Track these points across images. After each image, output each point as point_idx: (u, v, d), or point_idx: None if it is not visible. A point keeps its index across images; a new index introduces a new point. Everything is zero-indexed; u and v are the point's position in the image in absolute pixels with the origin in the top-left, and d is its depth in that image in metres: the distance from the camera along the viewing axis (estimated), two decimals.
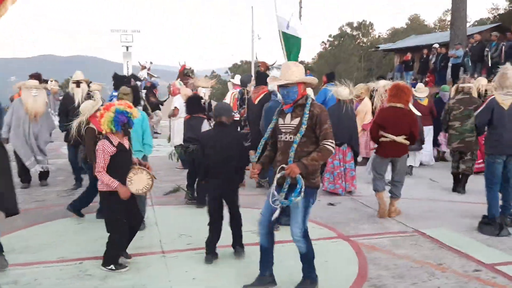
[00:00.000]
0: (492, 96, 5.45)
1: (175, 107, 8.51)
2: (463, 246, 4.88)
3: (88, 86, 7.75)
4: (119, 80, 7.43)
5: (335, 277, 4.12)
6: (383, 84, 8.36)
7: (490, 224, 5.32)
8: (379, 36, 59.13)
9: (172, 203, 6.74)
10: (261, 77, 7.80)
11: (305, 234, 3.69)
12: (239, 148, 4.47)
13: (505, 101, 5.32)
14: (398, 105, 5.87)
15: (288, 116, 3.69)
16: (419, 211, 6.27)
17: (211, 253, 4.45)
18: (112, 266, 4.19)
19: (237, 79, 10.30)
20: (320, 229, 5.49)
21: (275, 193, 3.59)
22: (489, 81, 8.60)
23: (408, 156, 7.10)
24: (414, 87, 9.70)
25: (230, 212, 4.54)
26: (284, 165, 3.56)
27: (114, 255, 4.22)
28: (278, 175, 3.58)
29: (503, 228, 5.24)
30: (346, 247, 4.88)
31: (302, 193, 3.49)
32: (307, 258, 3.75)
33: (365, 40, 61.05)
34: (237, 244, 4.59)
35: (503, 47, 14.39)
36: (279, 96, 5.21)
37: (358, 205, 6.62)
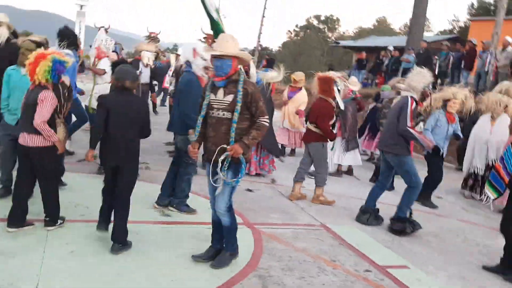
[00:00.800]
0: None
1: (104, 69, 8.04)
2: (363, 245, 4.88)
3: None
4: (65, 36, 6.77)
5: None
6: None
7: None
8: (344, 33, 59.63)
9: (84, 171, 6.38)
10: None
11: (230, 208, 3.80)
12: (143, 117, 4.16)
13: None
14: (321, 95, 6.06)
15: (221, 91, 3.67)
16: (336, 207, 6.25)
17: (102, 222, 4.15)
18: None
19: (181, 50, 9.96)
20: None
21: (218, 171, 3.62)
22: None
23: (332, 148, 7.10)
24: (367, 86, 9.95)
25: (117, 194, 4.03)
26: (225, 146, 3.59)
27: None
28: (222, 157, 3.59)
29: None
30: (247, 234, 4.74)
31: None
32: (230, 230, 3.86)
33: (330, 35, 61.46)
34: (115, 237, 3.96)
35: (451, 57, 14.71)
36: (193, 67, 4.99)
37: (275, 193, 6.53)
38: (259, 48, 60.98)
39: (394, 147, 5.39)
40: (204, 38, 10.28)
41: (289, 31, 62.65)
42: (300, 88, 8.61)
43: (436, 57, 15.22)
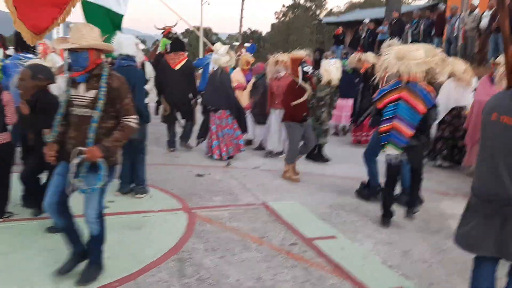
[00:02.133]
0: None
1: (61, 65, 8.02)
2: (298, 220, 4.97)
3: None
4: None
5: (146, 251, 4.06)
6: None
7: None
8: (331, 9, 59.06)
9: None
10: (178, 43, 8.08)
11: (100, 215, 3.46)
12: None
13: None
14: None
15: (82, 86, 3.32)
16: (287, 183, 6.38)
17: None
18: None
19: None
20: (169, 200, 5.47)
21: (74, 178, 3.25)
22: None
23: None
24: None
25: None
26: (82, 148, 3.24)
27: None
28: (76, 160, 3.23)
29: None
30: (181, 219, 4.86)
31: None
32: (98, 240, 3.49)
33: (318, 12, 60.93)
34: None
35: (422, 25, 14.64)
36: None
37: (225, 177, 6.61)
38: (248, 32, 60.74)
39: None
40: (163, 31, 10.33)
41: (276, 12, 62.24)
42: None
43: (408, 25, 15.13)
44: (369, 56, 8.44)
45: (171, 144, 8.03)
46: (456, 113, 7.71)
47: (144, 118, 5.26)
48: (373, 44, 17.76)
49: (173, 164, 7.15)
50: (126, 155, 5.35)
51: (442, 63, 5.02)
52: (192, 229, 4.61)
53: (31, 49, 6.53)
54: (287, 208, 5.35)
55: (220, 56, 7.59)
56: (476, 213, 2.85)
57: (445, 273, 3.93)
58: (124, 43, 5.40)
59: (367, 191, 5.81)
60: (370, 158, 5.69)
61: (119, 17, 6.27)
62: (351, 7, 54.50)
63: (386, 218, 4.99)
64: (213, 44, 8.77)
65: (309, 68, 6.40)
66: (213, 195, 5.74)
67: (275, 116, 7.78)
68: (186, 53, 8.17)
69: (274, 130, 7.88)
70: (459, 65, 7.60)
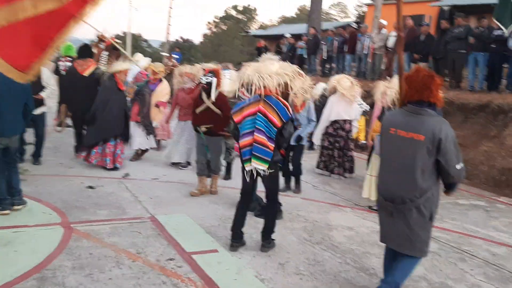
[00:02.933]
0: None
1: None
2: (183, 233, 4.89)
3: None
4: None
5: (6, 270, 3.79)
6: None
7: None
8: (262, 23, 60.08)
9: None
10: (87, 50, 8.05)
11: None
12: None
13: None
14: None
15: None
16: (182, 195, 6.29)
17: None
18: None
19: None
20: (49, 214, 5.18)
21: None
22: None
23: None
24: None
25: None
26: None
27: None
28: None
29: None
30: (56, 235, 4.59)
31: None
32: None
33: (254, 25, 61.71)
34: None
35: (336, 42, 15.18)
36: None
37: (119, 189, 6.38)
38: (181, 40, 60.27)
39: None
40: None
41: (209, 22, 62.33)
42: (161, 80, 8.48)
43: (323, 42, 15.63)
44: None
45: (78, 149, 7.75)
46: (339, 126, 8.05)
47: (19, 126, 5.05)
48: (293, 58, 18.23)
49: (65, 175, 6.80)
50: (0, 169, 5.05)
51: (295, 78, 5.07)
52: (64, 245, 4.37)
53: None
54: (174, 221, 5.24)
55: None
56: (382, 211, 3.59)
57: (312, 285, 4.00)
58: None
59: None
60: None
61: None
62: (285, 21, 55.79)
63: (234, 240, 4.68)
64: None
65: (207, 79, 6.30)
66: (98, 208, 5.51)
67: (180, 127, 7.67)
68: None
69: (180, 142, 7.74)
70: (344, 81, 8.00)
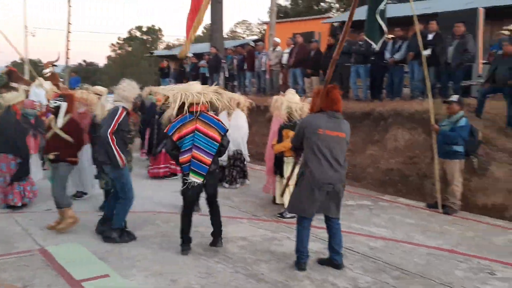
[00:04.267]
0: None
1: None
2: (73, 262, 4.81)
3: None
4: None
5: None
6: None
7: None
8: (168, 43, 59.80)
9: None
10: None
11: None
12: None
13: None
14: None
15: None
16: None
17: None
18: None
19: None
20: None
21: None
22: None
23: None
24: None
25: None
26: None
27: None
28: None
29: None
30: None
31: None
32: None
33: (155, 45, 61.18)
34: None
35: (235, 60, 15.65)
36: None
37: (8, 223, 6.12)
38: (84, 64, 58.15)
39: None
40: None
41: (112, 44, 60.77)
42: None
43: (223, 60, 16.03)
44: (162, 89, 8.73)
45: None
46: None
47: None
48: (196, 77, 18.45)
49: None
50: None
51: (219, 94, 5.49)
52: None
53: None
54: (65, 250, 5.16)
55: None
56: (308, 191, 4.66)
57: None
58: None
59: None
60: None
61: None
62: (191, 41, 55.88)
63: (185, 245, 5.22)
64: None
65: (55, 103, 5.87)
66: None
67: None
68: None
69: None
70: (241, 98, 8.54)
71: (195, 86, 5.36)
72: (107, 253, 5.15)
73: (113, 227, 5.50)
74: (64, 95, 5.98)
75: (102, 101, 6.89)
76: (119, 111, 5.42)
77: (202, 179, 5.08)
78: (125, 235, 5.53)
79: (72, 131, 5.93)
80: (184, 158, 5.06)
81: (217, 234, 5.38)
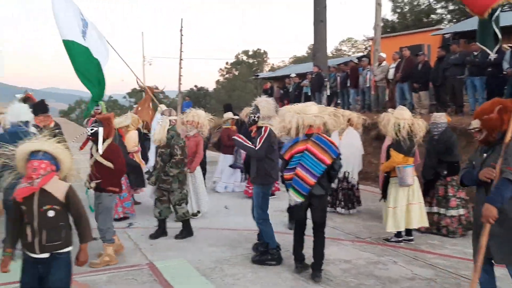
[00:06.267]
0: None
1: None
2: (178, 278, 4.98)
3: None
4: None
5: None
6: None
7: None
8: (272, 65, 61.11)
9: None
10: (42, 105, 7.74)
11: None
12: None
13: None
14: None
15: None
16: (181, 241, 6.37)
17: None
18: None
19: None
20: None
21: None
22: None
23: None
24: None
25: None
26: None
27: None
28: None
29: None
30: None
31: None
32: None
33: (261, 67, 62.95)
34: None
35: (338, 77, 15.44)
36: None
37: (121, 238, 6.51)
38: (195, 89, 61.63)
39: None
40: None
41: (220, 69, 63.75)
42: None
43: (326, 79, 15.91)
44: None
45: None
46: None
47: None
48: (299, 97, 18.51)
49: None
50: None
51: (335, 116, 5.37)
52: None
53: None
54: (171, 266, 5.34)
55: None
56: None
57: None
58: (22, 111, 5.87)
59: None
60: (262, 219, 5.62)
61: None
62: (296, 61, 56.63)
63: (297, 263, 5.19)
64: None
65: (91, 130, 5.56)
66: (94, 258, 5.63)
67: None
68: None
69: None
70: (356, 117, 8.13)
71: (311, 107, 5.20)
72: (209, 270, 5.25)
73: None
74: (100, 119, 5.61)
75: (162, 124, 6.66)
76: (263, 129, 5.55)
77: (302, 199, 4.94)
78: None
79: (113, 157, 5.45)
80: (288, 175, 5.03)
81: (316, 267, 5.03)
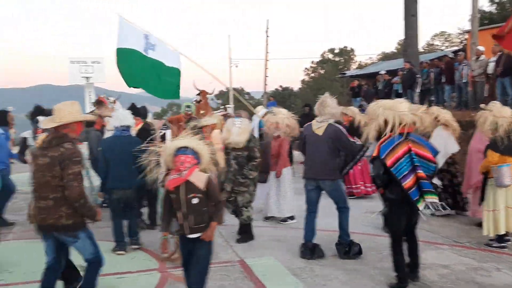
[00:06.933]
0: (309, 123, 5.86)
1: None
2: (269, 276, 5.04)
3: None
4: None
5: None
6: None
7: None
8: (360, 62, 59.66)
9: None
10: (135, 109, 8.00)
11: None
12: None
13: (319, 129, 5.67)
14: None
15: None
16: (272, 240, 6.45)
17: None
18: None
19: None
20: (149, 261, 5.66)
21: None
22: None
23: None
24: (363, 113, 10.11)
25: None
26: None
27: None
28: None
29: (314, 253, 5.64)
30: (153, 279, 5.01)
31: None
32: None
33: (347, 65, 61.76)
34: None
35: (432, 73, 14.72)
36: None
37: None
38: (280, 89, 61.99)
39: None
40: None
41: (306, 68, 63.45)
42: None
43: (418, 75, 15.22)
44: (351, 110, 8.53)
45: None
46: (451, 160, 7.67)
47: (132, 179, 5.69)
48: (389, 94, 17.90)
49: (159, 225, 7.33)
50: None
51: (427, 114, 5.14)
52: None
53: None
54: (262, 264, 5.42)
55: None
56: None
57: None
58: (125, 116, 6.25)
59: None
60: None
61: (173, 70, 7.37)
62: (385, 58, 54.78)
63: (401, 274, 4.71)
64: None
65: (160, 133, 6.02)
66: None
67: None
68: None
69: (271, 194, 7.60)
70: (445, 113, 7.65)
71: (402, 105, 4.85)
72: (300, 269, 5.24)
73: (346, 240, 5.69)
74: (169, 121, 5.87)
75: (242, 127, 6.50)
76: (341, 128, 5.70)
77: (437, 197, 4.56)
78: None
79: None
80: (408, 182, 4.45)
81: (415, 266, 4.82)
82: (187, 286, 3.91)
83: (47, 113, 7.39)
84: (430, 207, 4.61)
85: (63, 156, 3.68)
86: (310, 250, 5.64)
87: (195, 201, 3.76)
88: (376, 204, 7.43)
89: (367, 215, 7.53)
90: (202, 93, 11.18)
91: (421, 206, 4.48)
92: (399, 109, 4.75)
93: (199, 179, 3.79)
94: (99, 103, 10.40)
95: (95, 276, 4.02)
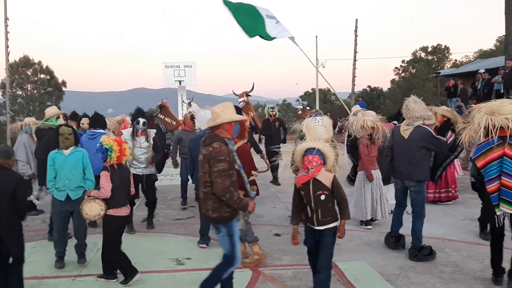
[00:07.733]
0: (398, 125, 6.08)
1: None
2: (361, 280, 4.94)
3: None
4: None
5: None
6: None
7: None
8: (455, 60, 56.39)
9: None
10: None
11: None
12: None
13: (406, 131, 5.76)
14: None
15: None
16: (361, 244, 6.31)
17: None
18: None
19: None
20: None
21: None
22: None
23: None
24: (461, 114, 9.57)
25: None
26: None
27: None
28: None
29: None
30: (245, 277, 5.10)
31: None
32: None
33: (441, 64, 58.67)
34: None
35: None
36: None
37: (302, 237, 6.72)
38: (368, 89, 60.51)
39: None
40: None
41: (396, 68, 61.21)
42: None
43: None
44: (441, 110, 8.04)
45: None
46: None
47: None
48: (489, 94, 16.73)
49: (255, 224, 7.44)
50: None
51: None
52: (252, 287, 4.84)
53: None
54: (353, 268, 5.32)
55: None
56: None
57: None
58: (207, 118, 6.35)
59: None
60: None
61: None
62: (482, 56, 51.33)
63: (499, 276, 4.78)
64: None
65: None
66: (283, 254, 5.91)
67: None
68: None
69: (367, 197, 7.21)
70: None
71: (508, 107, 4.55)
72: (394, 276, 5.08)
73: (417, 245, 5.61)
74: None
75: (324, 124, 6.29)
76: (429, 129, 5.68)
77: None
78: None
79: (241, 159, 5.01)
80: (492, 186, 4.52)
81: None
82: (318, 267, 4.23)
83: (147, 115, 7.81)
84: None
85: (211, 154, 3.95)
86: (395, 239, 5.88)
87: (322, 197, 4.15)
88: (475, 211, 7.01)
89: (466, 222, 7.10)
90: (241, 95, 11.11)
91: (498, 212, 4.52)
92: (502, 112, 4.46)
93: (325, 177, 4.17)
94: (161, 107, 10.94)
95: (223, 272, 4.14)
